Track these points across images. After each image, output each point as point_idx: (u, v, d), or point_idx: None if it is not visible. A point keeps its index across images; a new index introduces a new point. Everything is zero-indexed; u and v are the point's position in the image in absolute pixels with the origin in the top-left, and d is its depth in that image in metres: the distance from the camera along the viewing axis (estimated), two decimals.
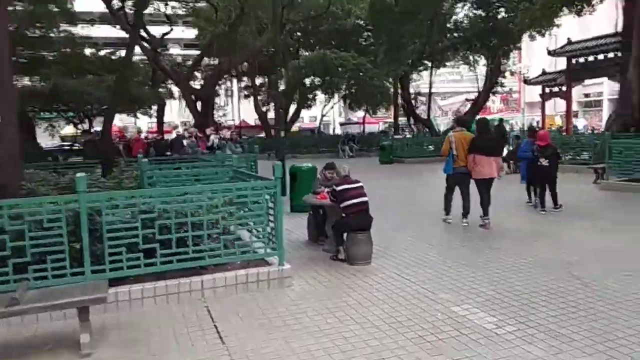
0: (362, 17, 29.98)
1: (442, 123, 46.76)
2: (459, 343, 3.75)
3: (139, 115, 32.77)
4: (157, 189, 4.98)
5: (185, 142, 21.06)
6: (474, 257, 6.16)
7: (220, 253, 4.96)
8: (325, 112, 34.34)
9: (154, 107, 30.07)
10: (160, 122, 28.27)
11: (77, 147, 27.46)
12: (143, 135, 26.12)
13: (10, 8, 27.58)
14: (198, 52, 29.26)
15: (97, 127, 37.92)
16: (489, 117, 40.91)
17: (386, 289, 5.06)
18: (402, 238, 7.33)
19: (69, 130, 32.51)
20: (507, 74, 27.89)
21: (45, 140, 28.95)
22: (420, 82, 38.38)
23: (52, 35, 28.76)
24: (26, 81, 26.93)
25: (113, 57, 28.87)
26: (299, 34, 34.73)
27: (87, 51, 29.36)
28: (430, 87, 29.07)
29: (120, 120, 45.15)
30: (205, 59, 26.51)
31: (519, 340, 3.76)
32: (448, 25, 25.33)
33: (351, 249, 5.93)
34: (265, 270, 5.11)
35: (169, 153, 20.42)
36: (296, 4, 23.35)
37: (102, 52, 28.98)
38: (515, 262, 5.85)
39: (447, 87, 65.21)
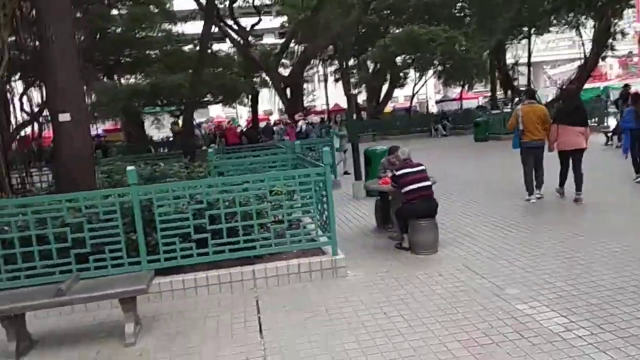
0: None
1: (550, 94, 43.07)
2: (516, 348, 3.29)
3: (236, 105, 34.25)
4: (202, 180, 5.02)
5: (275, 129, 21.61)
6: (555, 244, 5.46)
7: (272, 242, 4.88)
8: (417, 91, 33.12)
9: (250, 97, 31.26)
10: (254, 111, 29.13)
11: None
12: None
13: (115, 12, 30.05)
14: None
15: (199, 119, 40.33)
16: (605, 84, 37.10)
17: (447, 281, 4.64)
18: (479, 222, 6.75)
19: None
20: (620, 35, 24.64)
21: (156, 133, 31.45)
22: (523, 51, 35.65)
23: (153, 34, 30.91)
24: (132, 79, 29.22)
25: (209, 52, 30.39)
26: (387, 11, 33.81)
27: (186, 48, 31.15)
28: (530, 56, 26.77)
29: (223, 111, 47.76)
30: (292, 45, 26.75)
31: (590, 347, 3.21)
32: None
33: (414, 237, 5.55)
34: (318, 260, 4.93)
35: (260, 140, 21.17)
36: None
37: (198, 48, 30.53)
38: (605, 250, 5.09)
39: (559, 54, 59.87)
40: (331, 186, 4.97)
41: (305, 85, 26.44)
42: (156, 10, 29.77)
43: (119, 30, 30.32)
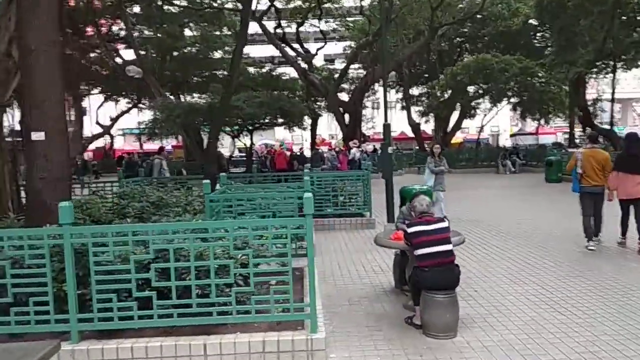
0: (532, 16, 26.38)
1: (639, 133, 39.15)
2: None
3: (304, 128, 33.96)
4: (151, 225, 4.12)
5: (325, 155, 20.74)
6: (623, 318, 4.02)
7: (231, 310, 3.85)
8: (486, 122, 31.14)
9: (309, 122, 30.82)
10: (313, 135, 28.61)
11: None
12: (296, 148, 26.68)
13: (190, 33, 30.83)
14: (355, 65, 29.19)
15: (264, 141, 40.38)
16: None
17: None
18: (525, 292, 5.39)
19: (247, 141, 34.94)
20: None
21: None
22: (608, 86, 32.65)
23: (222, 55, 31.49)
24: (196, 98, 29.75)
25: (273, 74, 30.41)
26: (459, 39, 32.32)
27: (251, 69, 31.42)
28: (613, 92, 24.18)
29: (284, 137, 47.81)
30: (353, 70, 26.07)
31: None
32: (637, 16, 20.62)
33: (426, 314, 4.31)
34: (289, 337, 3.83)
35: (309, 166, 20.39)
36: (448, 5, 21.23)
37: (264, 70, 30.66)
38: None
39: None
40: (312, 240, 3.89)
41: (365, 112, 25.37)
42: (228, 32, 30.41)
43: (189, 50, 31.33)
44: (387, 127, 10.17)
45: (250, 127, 26.96)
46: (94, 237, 3.79)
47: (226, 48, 30.46)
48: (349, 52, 27.42)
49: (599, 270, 6.20)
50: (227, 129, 26.98)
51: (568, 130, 34.06)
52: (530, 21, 28.73)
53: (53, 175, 5.24)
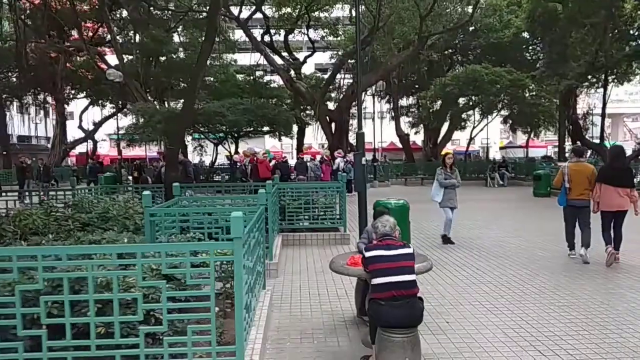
0: (524, 29, 26.03)
1: (629, 149, 39.01)
2: None
3: (287, 138, 33.19)
4: (40, 248, 3.41)
5: (309, 165, 20.09)
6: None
7: (139, 354, 3.16)
8: (475, 134, 30.73)
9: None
10: (299, 144, 27.96)
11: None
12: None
13: (178, 40, 30.13)
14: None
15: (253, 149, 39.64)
16: None
17: None
18: (500, 324, 4.73)
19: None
20: None
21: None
22: (599, 100, 32.36)
23: (210, 62, 30.78)
24: (181, 104, 28.99)
25: (261, 81, 29.81)
26: (450, 50, 31.95)
27: (240, 77, 30.76)
28: (604, 106, 23.83)
29: (273, 145, 47.13)
30: (339, 78, 25.52)
31: None
32: (629, 29, 20.27)
33: (380, 356, 3.64)
34: None
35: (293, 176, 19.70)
36: (438, 15, 20.77)
37: (251, 77, 30.03)
38: None
39: None
40: (241, 270, 3.21)
41: (352, 121, 24.80)
42: (217, 39, 29.75)
43: (175, 56, 30.68)
44: (360, 136, 9.51)
45: (235, 135, 26.31)
46: None
47: (213, 55, 29.83)
48: (335, 60, 26.86)
49: (588, 297, 5.58)
50: (211, 136, 26.36)
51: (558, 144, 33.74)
52: (522, 34, 28.44)
53: None
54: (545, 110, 24.94)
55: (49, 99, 35.93)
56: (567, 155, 28.40)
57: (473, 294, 5.87)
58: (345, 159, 19.76)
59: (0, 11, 26.38)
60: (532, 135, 35.14)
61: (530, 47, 31.30)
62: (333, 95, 27.11)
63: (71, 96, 36.16)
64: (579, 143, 21.26)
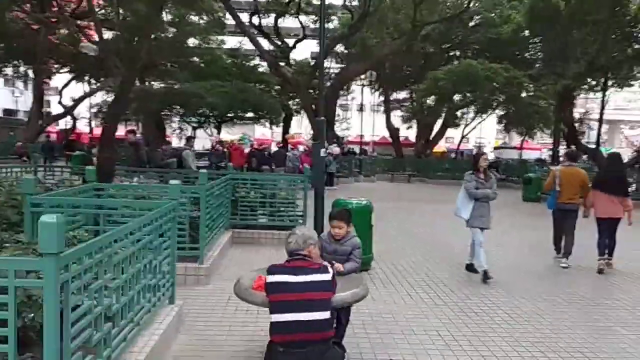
0: (523, 24, 24.93)
1: (625, 156, 38.14)
2: None
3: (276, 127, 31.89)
4: None
5: (288, 154, 19.02)
6: None
7: None
8: (466, 133, 29.74)
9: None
10: (284, 133, 26.87)
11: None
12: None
13: (168, 17, 28.75)
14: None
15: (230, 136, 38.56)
16: None
17: None
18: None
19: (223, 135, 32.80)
20: None
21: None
22: (597, 105, 31.41)
23: (202, 44, 29.47)
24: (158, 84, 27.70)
25: (248, 64, 28.61)
26: (447, 45, 30.77)
27: (229, 61, 29.48)
28: (602, 110, 22.87)
29: (263, 133, 45.97)
30: (326, 66, 24.31)
31: None
32: (633, 31, 19.22)
33: None
34: None
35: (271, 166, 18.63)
36: (433, 2, 19.66)
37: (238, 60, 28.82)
38: None
39: None
40: (54, 296, 2.18)
41: (339, 112, 23.71)
42: (204, 19, 28.42)
43: (164, 35, 29.34)
44: (320, 122, 8.46)
45: (218, 120, 25.20)
46: None
47: (201, 35, 28.53)
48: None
49: (569, 331, 4.60)
50: (193, 119, 25.23)
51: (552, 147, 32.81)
52: (522, 32, 27.33)
53: None
54: (541, 111, 23.98)
55: (30, 72, 34.58)
56: (560, 159, 27.57)
57: (432, 319, 4.88)
58: (327, 151, 18.73)
59: None
60: (526, 137, 34.16)
61: (530, 45, 30.21)
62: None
63: (54, 70, 34.82)
64: (573, 147, 20.30)
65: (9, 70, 34.89)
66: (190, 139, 16.27)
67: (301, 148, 21.13)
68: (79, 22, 27.35)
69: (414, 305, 5.30)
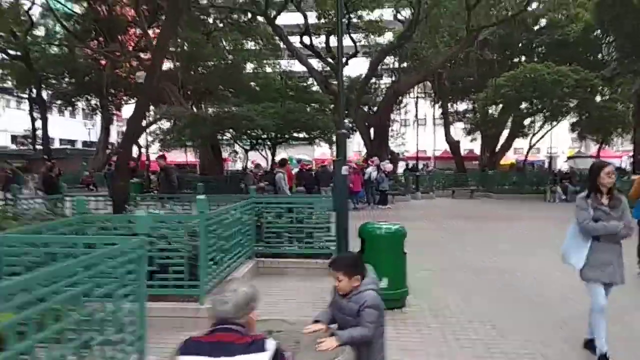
0: (591, 20, 22.86)
1: None
2: None
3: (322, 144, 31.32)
4: None
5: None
6: None
7: None
8: (535, 142, 27.62)
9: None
10: (339, 152, 26.13)
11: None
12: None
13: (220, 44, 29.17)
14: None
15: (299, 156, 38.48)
16: None
17: None
18: None
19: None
20: None
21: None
22: None
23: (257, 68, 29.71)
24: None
25: (303, 85, 28.38)
26: (509, 51, 28.90)
27: (282, 82, 29.43)
28: None
29: (323, 153, 45.62)
30: (376, 79, 23.48)
31: None
32: None
33: None
34: None
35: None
36: (488, 4, 18.37)
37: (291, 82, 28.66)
38: None
39: None
40: None
41: (395, 127, 22.76)
42: (260, 43, 28.63)
43: (217, 61, 29.86)
44: (341, 136, 7.64)
45: (271, 141, 24.99)
46: None
47: (257, 60, 28.73)
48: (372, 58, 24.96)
49: None
50: (246, 141, 25.16)
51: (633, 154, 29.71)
52: (593, 32, 25.11)
53: None
54: (618, 115, 21.72)
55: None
56: None
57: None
58: (379, 168, 17.83)
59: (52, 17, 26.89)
60: (603, 144, 31.31)
61: (602, 45, 27.72)
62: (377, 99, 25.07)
63: (122, 102, 36.56)
64: None
65: (81, 104, 37.18)
66: (284, 162, 15.28)
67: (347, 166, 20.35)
68: (141, 54, 28.56)
69: (443, 354, 4.29)
